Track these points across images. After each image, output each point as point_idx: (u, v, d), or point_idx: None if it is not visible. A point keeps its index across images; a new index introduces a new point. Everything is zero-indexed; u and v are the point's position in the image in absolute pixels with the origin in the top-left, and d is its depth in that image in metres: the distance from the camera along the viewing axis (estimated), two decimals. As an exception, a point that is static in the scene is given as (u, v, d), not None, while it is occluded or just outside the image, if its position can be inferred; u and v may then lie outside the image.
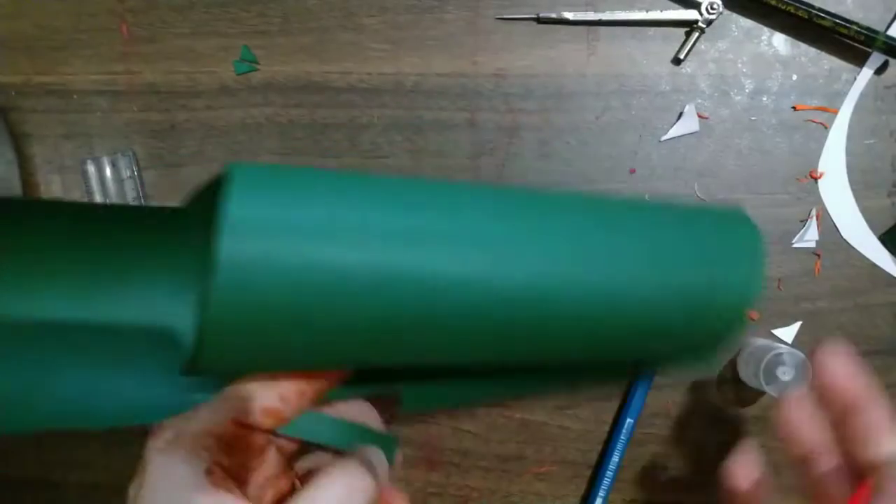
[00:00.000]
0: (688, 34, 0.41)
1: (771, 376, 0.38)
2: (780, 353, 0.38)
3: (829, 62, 0.41)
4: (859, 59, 0.41)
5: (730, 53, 0.41)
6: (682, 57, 0.41)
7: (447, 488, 0.41)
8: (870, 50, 0.40)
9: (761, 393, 0.41)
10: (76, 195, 0.42)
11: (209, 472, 0.24)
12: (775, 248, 0.41)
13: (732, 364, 0.41)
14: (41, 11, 0.42)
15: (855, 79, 0.41)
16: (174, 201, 0.41)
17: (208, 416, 0.26)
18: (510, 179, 0.41)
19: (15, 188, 0.41)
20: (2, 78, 0.42)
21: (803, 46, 0.41)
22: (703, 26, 0.41)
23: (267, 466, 0.27)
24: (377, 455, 0.27)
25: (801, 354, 0.38)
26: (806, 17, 0.40)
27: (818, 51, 0.41)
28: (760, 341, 0.41)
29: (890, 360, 0.41)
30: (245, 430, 0.26)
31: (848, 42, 0.40)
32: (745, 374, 0.40)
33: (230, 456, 0.26)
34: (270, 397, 0.26)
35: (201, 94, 0.41)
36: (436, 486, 0.41)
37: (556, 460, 0.41)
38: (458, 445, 0.39)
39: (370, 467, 0.26)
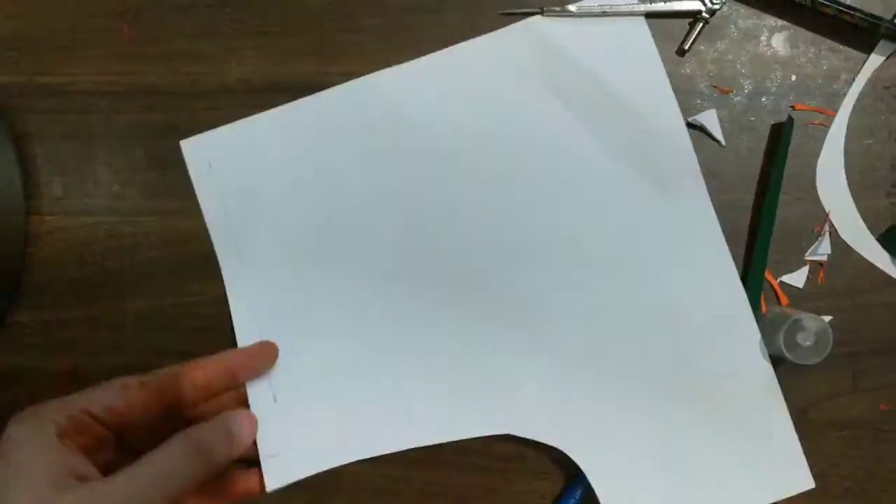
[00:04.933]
0: (692, 25, 0.41)
1: (792, 343, 0.38)
2: (800, 319, 0.38)
3: (827, 63, 0.41)
4: (863, 49, 0.41)
5: (729, 54, 0.41)
6: (686, 48, 0.41)
7: (447, 487, 0.41)
8: (874, 38, 0.41)
9: (781, 361, 0.40)
10: (76, 196, 0.42)
11: (61, 435, 0.31)
12: (776, 247, 0.41)
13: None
14: (42, 12, 0.42)
15: (853, 79, 0.41)
16: (175, 201, 0.41)
17: (65, 400, 0.32)
18: (510, 180, 0.41)
19: (16, 188, 0.41)
20: (3, 78, 0.42)
21: (802, 47, 0.41)
22: (707, 16, 0.41)
23: (110, 455, 0.34)
24: (219, 433, 0.34)
25: (822, 319, 0.38)
26: (809, 4, 0.40)
27: (817, 51, 0.41)
28: (780, 308, 0.40)
29: (889, 360, 0.41)
30: (93, 420, 0.32)
31: (849, 37, 0.41)
32: (767, 342, 0.40)
33: (79, 436, 0.32)
34: (117, 401, 0.33)
35: (202, 95, 0.41)
36: (436, 486, 0.41)
37: (557, 459, 0.41)
38: (458, 445, 0.39)
39: (198, 448, 0.32)
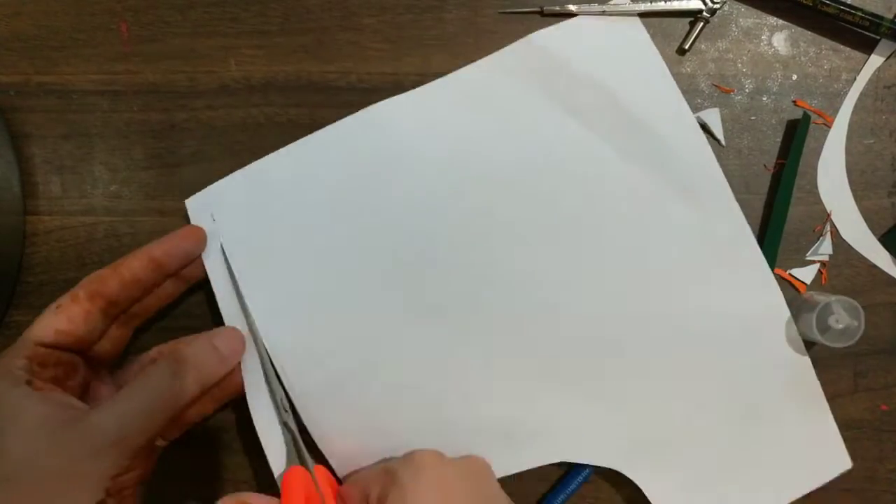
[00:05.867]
0: (692, 24, 0.41)
1: (824, 326, 0.38)
2: (830, 303, 0.38)
3: (828, 62, 0.41)
4: (864, 50, 0.41)
5: (730, 53, 0.41)
6: (686, 47, 0.41)
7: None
8: (876, 37, 0.40)
9: (812, 345, 0.40)
10: (75, 195, 0.42)
11: (29, 382, 0.31)
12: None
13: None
14: (41, 11, 0.41)
15: (855, 79, 0.41)
16: (173, 201, 0.41)
17: (17, 344, 0.33)
18: (510, 179, 0.41)
19: (14, 188, 0.41)
20: (1, 78, 0.41)
21: (803, 46, 0.41)
22: (708, 16, 0.41)
23: (82, 376, 0.35)
24: (205, 349, 0.35)
25: (853, 302, 0.38)
26: (810, 4, 0.40)
27: (818, 50, 0.41)
28: (805, 294, 0.40)
29: (890, 361, 0.41)
30: (49, 349, 0.33)
31: (850, 37, 0.41)
32: (800, 327, 0.40)
33: (45, 369, 0.32)
34: (60, 321, 0.33)
35: (201, 94, 0.41)
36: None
37: (556, 460, 0.41)
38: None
39: (186, 366, 0.33)
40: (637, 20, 0.40)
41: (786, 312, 0.40)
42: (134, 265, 0.36)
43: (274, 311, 0.39)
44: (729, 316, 0.39)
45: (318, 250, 0.39)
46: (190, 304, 0.41)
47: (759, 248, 0.39)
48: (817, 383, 0.39)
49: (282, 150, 0.40)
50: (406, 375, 0.39)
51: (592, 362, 0.39)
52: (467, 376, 0.39)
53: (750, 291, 0.39)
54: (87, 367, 0.35)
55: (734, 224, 0.39)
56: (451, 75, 0.40)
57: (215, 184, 0.40)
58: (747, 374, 0.39)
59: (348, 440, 0.38)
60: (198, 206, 0.40)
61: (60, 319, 0.33)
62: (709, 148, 0.39)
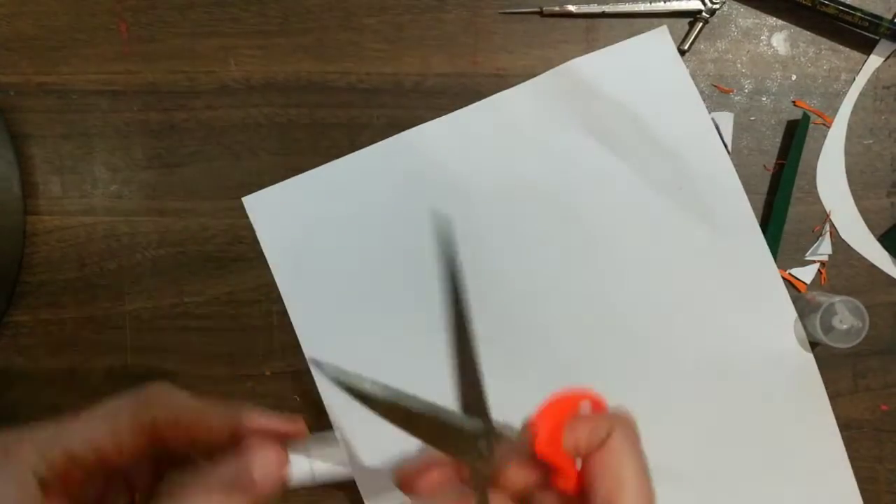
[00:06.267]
0: (691, 24, 0.41)
1: (828, 326, 0.38)
2: (834, 303, 0.38)
3: (828, 62, 0.41)
4: (864, 50, 0.41)
5: (729, 54, 0.41)
6: (686, 48, 0.41)
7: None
8: (875, 37, 0.41)
9: (815, 345, 0.40)
10: (75, 195, 0.42)
11: (44, 485, 0.25)
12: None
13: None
14: (41, 11, 0.41)
15: (854, 79, 0.41)
16: (173, 201, 0.41)
17: (41, 439, 0.25)
18: (510, 179, 0.41)
19: (14, 189, 0.41)
20: (1, 78, 0.41)
21: (802, 46, 0.41)
22: (707, 16, 0.41)
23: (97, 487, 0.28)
24: (243, 465, 0.27)
25: (856, 302, 0.38)
26: (809, 4, 0.40)
27: (817, 51, 0.41)
28: (813, 294, 0.40)
29: (889, 361, 0.41)
30: (76, 466, 0.26)
31: (849, 37, 0.41)
32: (806, 327, 0.40)
33: (60, 483, 0.25)
34: (104, 441, 0.26)
35: (201, 94, 0.41)
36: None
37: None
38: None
39: (229, 485, 0.27)
40: (671, 45, 0.40)
41: (809, 357, 0.40)
42: (213, 423, 0.28)
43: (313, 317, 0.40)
44: (747, 341, 0.40)
45: (355, 264, 0.40)
46: (197, 303, 0.41)
47: (779, 277, 0.40)
48: (838, 433, 0.40)
49: (322, 167, 0.40)
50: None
51: (605, 383, 0.40)
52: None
53: (769, 323, 0.40)
54: (105, 478, 0.29)
55: (756, 250, 0.40)
56: (489, 98, 0.40)
57: (272, 187, 0.41)
58: (760, 397, 0.40)
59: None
60: (256, 204, 0.41)
61: (106, 441, 0.26)
62: (734, 174, 0.40)
